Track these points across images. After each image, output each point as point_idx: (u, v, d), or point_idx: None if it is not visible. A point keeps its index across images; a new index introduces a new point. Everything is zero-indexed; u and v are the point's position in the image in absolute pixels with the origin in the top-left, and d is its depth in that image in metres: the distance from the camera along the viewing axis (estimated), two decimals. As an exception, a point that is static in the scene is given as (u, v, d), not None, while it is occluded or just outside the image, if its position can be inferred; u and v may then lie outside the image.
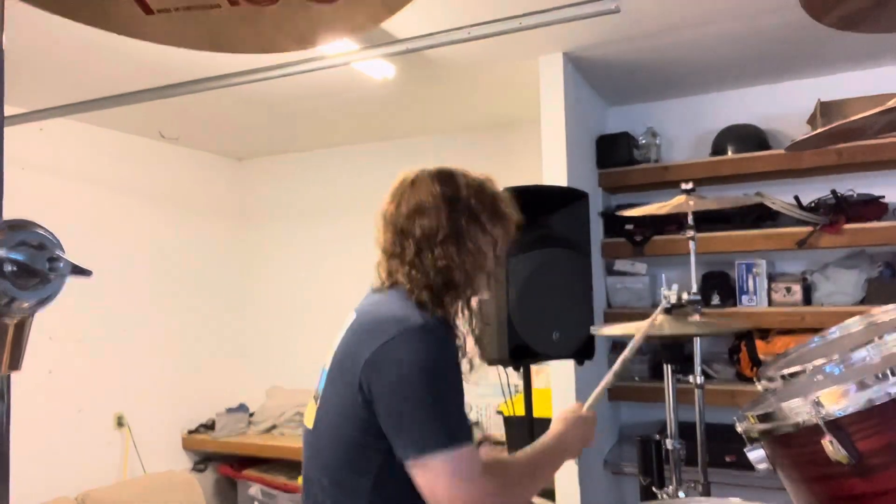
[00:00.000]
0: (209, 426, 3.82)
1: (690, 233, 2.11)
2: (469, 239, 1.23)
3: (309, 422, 1.27)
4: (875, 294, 2.61)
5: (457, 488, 1.07)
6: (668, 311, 1.65)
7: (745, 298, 2.81)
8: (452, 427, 1.09)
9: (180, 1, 0.72)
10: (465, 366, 1.23)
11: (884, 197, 2.69)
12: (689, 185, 2.06)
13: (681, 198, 2.06)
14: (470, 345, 1.28)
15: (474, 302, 1.29)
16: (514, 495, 1.15)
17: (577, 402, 1.45)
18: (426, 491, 1.10)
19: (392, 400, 1.11)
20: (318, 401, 1.25)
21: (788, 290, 2.75)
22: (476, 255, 1.24)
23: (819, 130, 1.17)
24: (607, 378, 1.45)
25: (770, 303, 2.78)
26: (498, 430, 3.21)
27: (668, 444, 1.85)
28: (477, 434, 3.32)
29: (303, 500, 1.29)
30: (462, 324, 1.26)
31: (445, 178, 1.26)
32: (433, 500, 1.09)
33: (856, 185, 2.72)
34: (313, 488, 1.24)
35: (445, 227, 1.21)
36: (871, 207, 2.67)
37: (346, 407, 1.16)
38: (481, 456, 1.14)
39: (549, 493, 2.54)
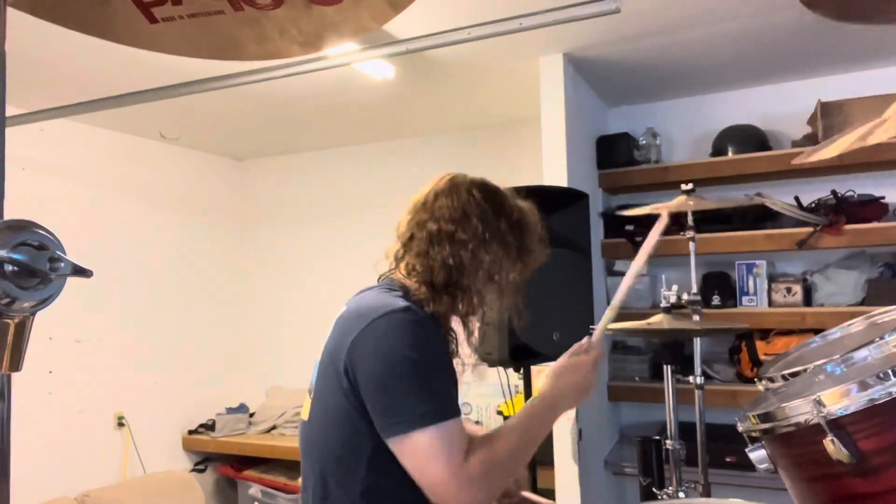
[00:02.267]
0: (209, 426, 3.82)
1: (691, 233, 2.11)
2: (487, 252, 1.22)
3: (304, 415, 1.28)
4: (875, 294, 2.61)
5: (437, 466, 1.06)
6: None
7: (745, 299, 2.81)
8: (432, 405, 1.08)
9: (184, 9, 0.72)
10: (457, 367, 1.23)
11: (884, 197, 2.69)
12: (690, 186, 2.06)
13: (681, 198, 2.06)
14: (464, 349, 1.29)
15: (473, 323, 1.28)
16: (501, 464, 1.12)
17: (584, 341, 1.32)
18: (410, 469, 1.09)
19: (373, 382, 1.12)
20: (312, 394, 1.27)
21: (789, 290, 2.75)
22: (487, 270, 1.23)
23: (839, 152, 1.16)
24: (617, 300, 1.36)
25: (770, 303, 2.78)
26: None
27: (669, 444, 1.85)
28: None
29: (301, 494, 1.29)
30: (459, 328, 1.25)
31: (489, 190, 1.27)
32: (418, 478, 1.09)
33: (856, 186, 2.72)
34: (308, 481, 1.25)
35: (467, 232, 1.21)
36: (872, 208, 2.67)
37: (336, 395, 1.17)
38: (467, 432, 1.12)
39: (550, 493, 2.54)
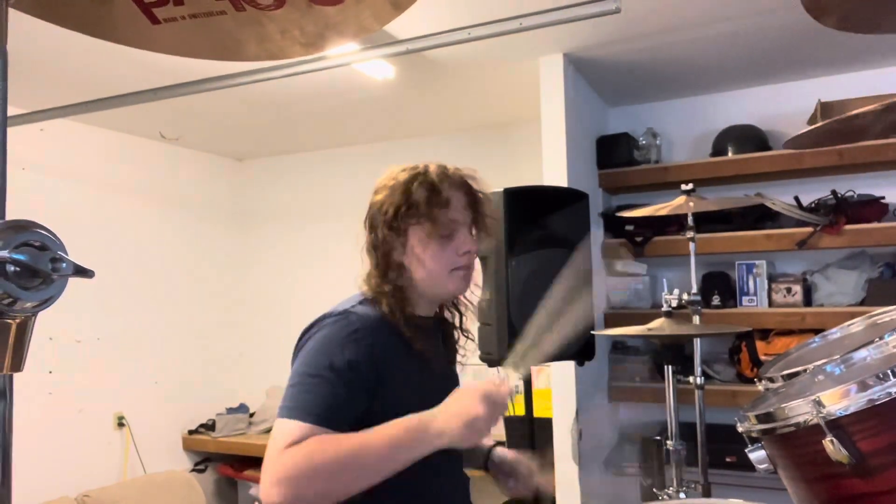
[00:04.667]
0: (209, 426, 3.82)
1: (691, 233, 2.11)
2: (407, 225, 1.26)
3: None
4: (875, 294, 2.61)
5: (268, 456, 1.07)
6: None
7: (745, 299, 2.81)
8: (295, 402, 1.12)
9: (186, 9, 0.72)
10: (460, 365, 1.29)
11: (884, 198, 2.69)
12: (690, 186, 2.06)
13: (681, 198, 2.06)
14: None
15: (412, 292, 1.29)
16: (315, 468, 1.03)
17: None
18: None
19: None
20: None
21: (789, 290, 2.75)
22: (413, 238, 1.26)
23: (820, 124, 1.17)
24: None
25: (770, 303, 2.78)
26: (498, 430, 3.21)
27: (669, 444, 1.85)
28: None
29: None
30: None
31: (387, 172, 1.36)
32: None
33: (856, 186, 2.72)
34: None
35: (388, 213, 1.27)
36: (872, 208, 2.67)
37: None
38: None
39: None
